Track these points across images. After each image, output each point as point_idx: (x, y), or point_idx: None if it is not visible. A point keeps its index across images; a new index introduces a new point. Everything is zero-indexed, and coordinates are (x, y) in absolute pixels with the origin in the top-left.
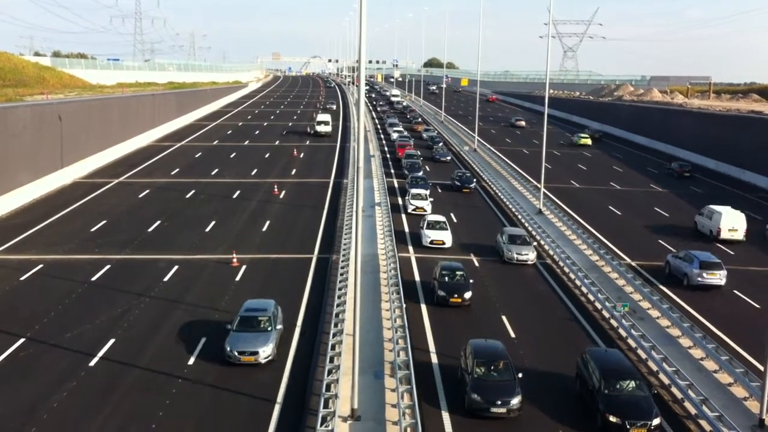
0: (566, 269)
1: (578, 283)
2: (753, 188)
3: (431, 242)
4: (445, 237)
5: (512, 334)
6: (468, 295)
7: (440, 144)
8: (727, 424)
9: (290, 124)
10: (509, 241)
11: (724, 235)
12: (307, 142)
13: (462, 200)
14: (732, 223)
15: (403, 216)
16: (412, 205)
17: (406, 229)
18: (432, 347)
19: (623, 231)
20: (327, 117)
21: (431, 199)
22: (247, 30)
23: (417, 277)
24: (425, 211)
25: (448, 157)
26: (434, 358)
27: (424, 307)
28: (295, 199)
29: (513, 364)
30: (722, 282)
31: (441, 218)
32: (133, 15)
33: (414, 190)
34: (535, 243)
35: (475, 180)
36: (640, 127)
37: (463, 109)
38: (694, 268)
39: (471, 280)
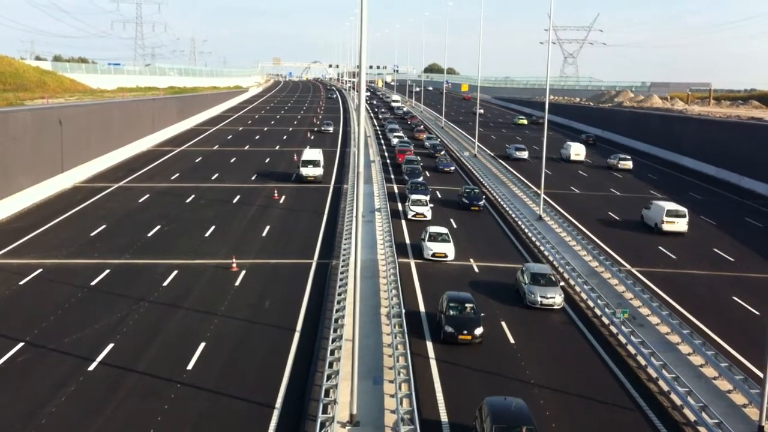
0: (566, 275)
1: (578, 289)
2: (752, 195)
3: (433, 255)
4: (448, 249)
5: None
6: (479, 331)
7: (443, 153)
8: (727, 431)
9: (290, 129)
10: (532, 281)
11: (573, 158)
12: (308, 147)
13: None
14: (576, 151)
15: (403, 222)
16: (412, 210)
17: (406, 235)
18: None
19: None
20: (317, 155)
21: (431, 205)
22: (247, 35)
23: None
24: (425, 216)
25: (452, 167)
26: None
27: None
28: (295, 204)
29: (538, 430)
30: (526, 156)
31: (443, 230)
32: (133, 20)
33: (414, 196)
34: (562, 283)
35: (484, 196)
36: (640, 134)
37: (464, 115)
38: (513, 150)
39: (483, 314)
